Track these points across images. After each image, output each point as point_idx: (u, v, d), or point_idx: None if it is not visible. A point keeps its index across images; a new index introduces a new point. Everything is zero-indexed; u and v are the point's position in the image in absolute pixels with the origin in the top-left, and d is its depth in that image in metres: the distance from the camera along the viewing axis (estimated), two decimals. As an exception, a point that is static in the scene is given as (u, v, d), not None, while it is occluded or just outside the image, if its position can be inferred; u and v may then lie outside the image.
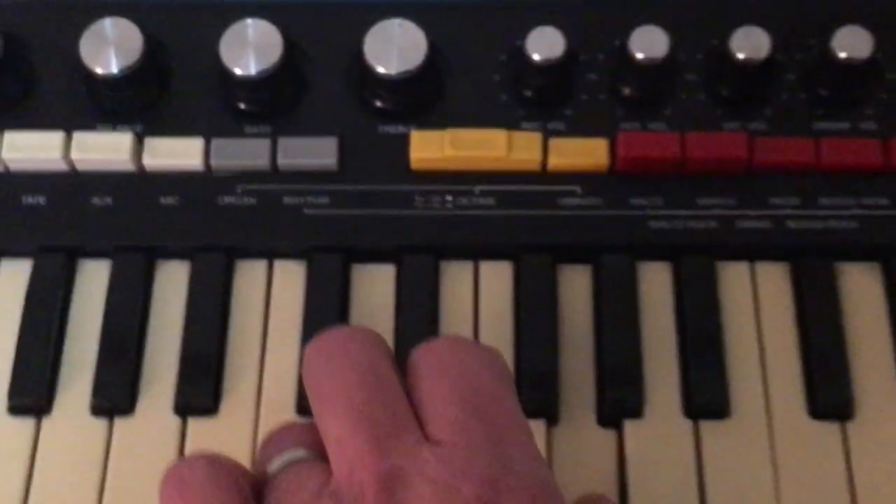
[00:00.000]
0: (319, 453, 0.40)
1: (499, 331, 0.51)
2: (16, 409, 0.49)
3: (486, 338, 0.51)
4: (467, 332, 0.51)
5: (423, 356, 0.41)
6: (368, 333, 0.42)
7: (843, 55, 0.52)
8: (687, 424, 0.49)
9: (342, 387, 0.39)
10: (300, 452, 0.40)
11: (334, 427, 0.39)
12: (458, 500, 0.36)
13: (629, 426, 0.49)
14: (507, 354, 0.50)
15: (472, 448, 0.38)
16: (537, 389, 0.49)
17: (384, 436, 0.38)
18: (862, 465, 0.48)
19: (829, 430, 0.48)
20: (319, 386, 0.40)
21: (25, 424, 0.49)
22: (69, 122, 0.53)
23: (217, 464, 0.40)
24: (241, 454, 0.48)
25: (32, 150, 0.53)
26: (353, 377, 0.40)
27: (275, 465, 0.40)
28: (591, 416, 0.49)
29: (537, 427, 0.48)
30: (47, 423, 0.49)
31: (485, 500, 0.36)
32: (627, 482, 0.48)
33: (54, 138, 0.53)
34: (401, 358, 0.42)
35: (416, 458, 0.37)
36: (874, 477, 0.48)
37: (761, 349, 0.50)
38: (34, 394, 0.49)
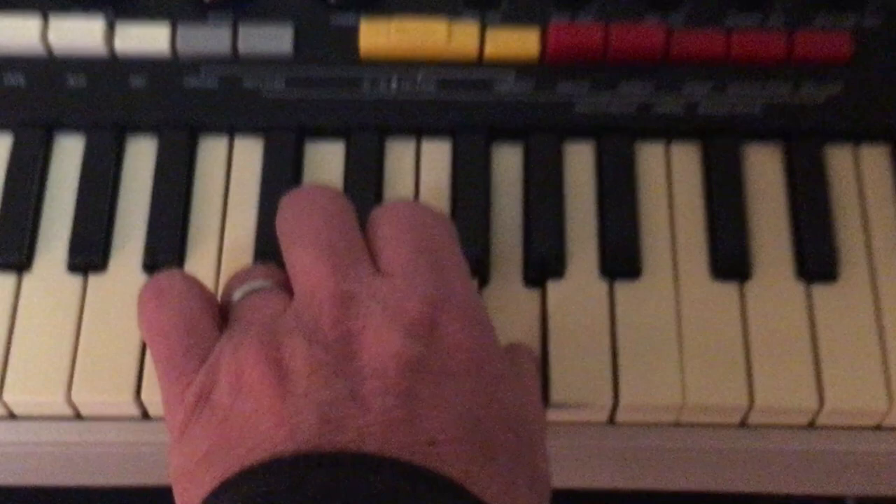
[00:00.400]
0: (281, 285, 0.46)
1: (437, 201, 0.56)
2: (-1, 265, 0.55)
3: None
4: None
5: (382, 212, 0.47)
6: (335, 190, 0.48)
7: (752, -47, 0.57)
8: (603, 283, 0.54)
9: (310, 227, 0.45)
10: (262, 282, 0.46)
11: (300, 257, 0.45)
12: (402, 315, 0.42)
13: (551, 285, 0.54)
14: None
15: (417, 277, 0.44)
16: (469, 253, 0.54)
17: (343, 266, 0.44)
18: (756, 321, 0.54)
19: (728, 290, 0.54)
20: (290, 229, 0.46)
21: (8, 280, 0.54)
22: (46, 8, 0.58)
23: (191, 279, 0.46)
24: (203, 306, 0.53)
25: (12, 33, 0.57)
26: (320, 220, 0.46)
27: (238, 293, 0.46)
28: (518, 277, 0.55)
29: (469, 285, 0.54)
30: (28, 278, 0.54)
31: (426, 316, 0.42)
32: (548, 336, 0.54)
33: (32, 23, 0.57)
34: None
35: (369, 284, 0.43)
36: (766, 331, 0.53)
37: (671, 218, 0.56)
38: (16, 252, 0.54)
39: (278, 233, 0.48)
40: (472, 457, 0.41)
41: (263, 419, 0.40)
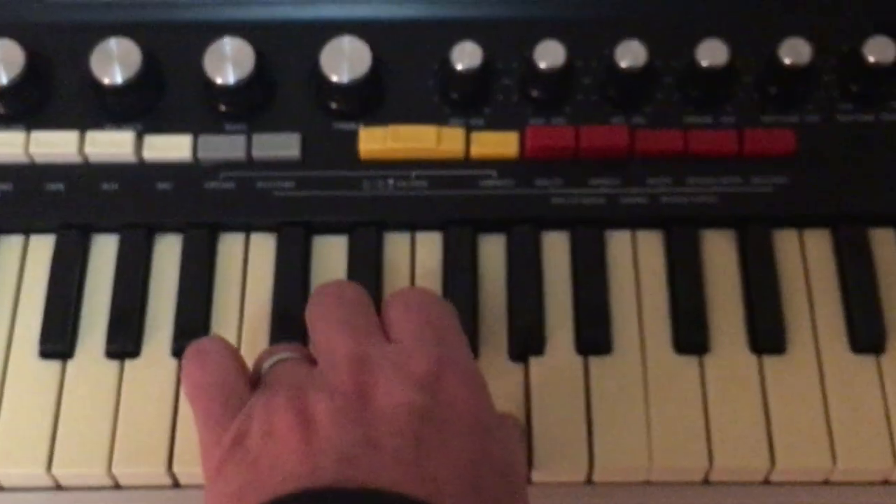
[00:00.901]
0: (305, 357, 0.54)
1: (431, 287, 0.63)
2: (45, 353, 0.62)
3: (420, 293, 0.63)
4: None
5: (394, 296, 0.55)
6: (354, 283, 0.57)
7: (705, 63, 0.64)
8: (578, 358, 0.61)
9: (333, 310, 0.54)
10: (289, 353, 0.54)
11: (324, 332, 0.53)
12: (410, 371, 0.50)
13: (533, 361, 0.61)
14: (437, 306, 0.63)
15: (423, 342, 0.52)
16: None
17: (360, 335, 0.52)
18: (713, 390, 0.61)
19: (689, 362, 0.61)
20: (317, 313, 0.54)
21: (53, 367, 0.62)
22: (83, 123, 0.65)
23: (229, 345, 0.55)
24: (226, 386, 0.60)
25: (54, 146, 0.65)
26: (341, 304, 0.54)
27: (268, 363, 0.54)
28: (503, 352, 0.62)
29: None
30: (70, 365, 0.62)
31: (431, 373, 0.50)
32: (531, 405, 0.61)
33: (71, 136, 0.65)
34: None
35: (381, 348, 0.52)
36: (723, 399, 0.60)
37: (639, 299, 0.63)
38: (60, 341, 0.62)
39: (307, 320, 0.55)
40: (468, 494, 0.48)
41: (290, 458, 0.47)
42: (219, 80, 0.64)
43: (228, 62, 0.64)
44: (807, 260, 0.64)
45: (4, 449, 0.59)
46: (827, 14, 0.67)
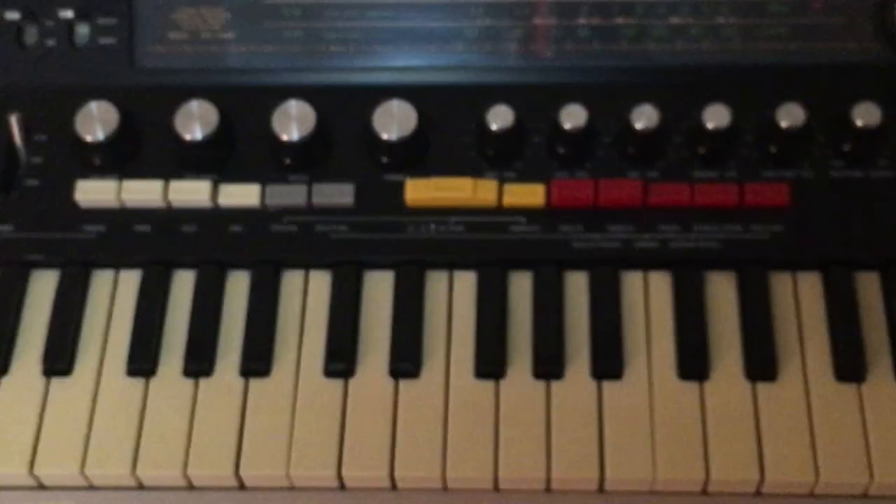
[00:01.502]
0: None
1: (466, 320, 0.72)
2: (132, 371, 0.72)
3: (457, 326, 0.72)
4: (443, 322, 0.72)
5: None
6: None
7: (710, 125, 0.73)
8: (593, 382, 0.70)
9: None
10: None
11: None
12: None
13: (554, 384, 0.70)
14: (471, 337, 0.71)
15: None
16: (491, 348, 0.71)
17: None
18: (712, 412, 0.69)
19: (691, 387, 0.69)
20: None
21: (138, 384, 0.71)
22: (167, 173, 0.75)
23: None
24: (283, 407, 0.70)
25: (141, 193, 0.75)
26: None
27: None
28: (529, 371, 0.71)
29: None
30: (153, 382, 0.71)
31: None
32: (550, 423, 0.69)
33: (156, 185, 0.75)
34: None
35: None
36: (720, 420, 0.68)
37: (648, 334, 0.71)
38: (144, 361, 0.71)
39: None
40: None
41: None
42: (284, 137, 0.74)
43: (293, 121, 0.74)
44: (799, 299, 0.72)
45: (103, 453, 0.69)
46: (820, 80, 0.75)
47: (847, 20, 0.76)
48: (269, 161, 0.76)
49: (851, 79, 0.76)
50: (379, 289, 0.74)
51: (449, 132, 0.76)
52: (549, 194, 0.74)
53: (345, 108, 0.77)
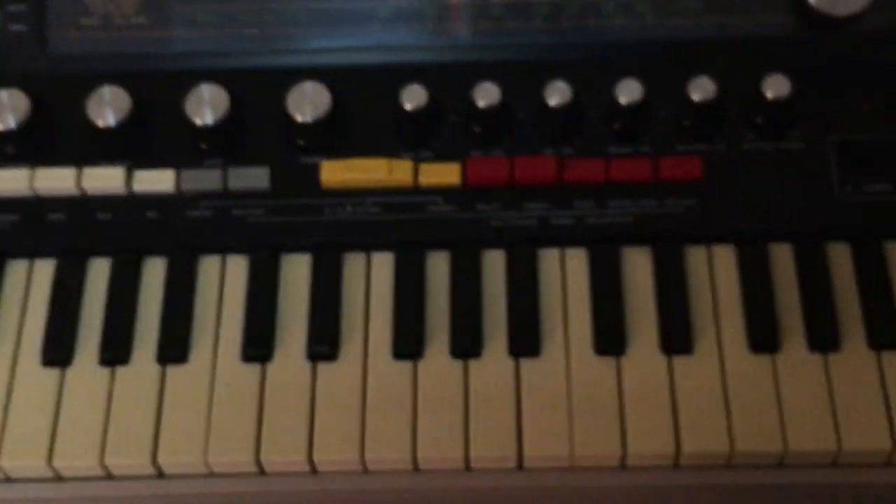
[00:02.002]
0: None
1: (384, 302, 0.72)
2: (47, 361, 0.71)
3: (374, 307, 0.72)
4: (361, 304, 0.72)
5: None
6: None
7: (623, 100, 0.73)
8: (510, 360, 0.70)
9: None
10: None
11: None
12: None
13: (472, 363, 0.70)
14: (389, 318, 0.71)
15: None
16: (408, 330, 0.71)
17: None
18: (628, 386, 0.69)
19: (607, 362, 0.70)
20: None
21: (53, 374, 0.71)
22: (80, 160, 0.75)
23: None
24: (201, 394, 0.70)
25: (54, 180, 0.74)
26: None
27: None
28: (447, 352, 0.71)
29: (406, 365, 0.70)
30: (70, 372, 0.71)
31: None
32: (469, 396, 0.69)
33: (69, 172, 0.74)
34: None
35: None
36: (636, 393, 0.69)
37: (564, 309, 0.72)
38: (60, 350, 0.71)
39: None
40: None
41: None
42: (198, 121, 0.73)
43: (206, 105, 0.74)
44: (714, 272, 0.73)
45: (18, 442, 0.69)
46: (732, 54, 0.76)
47: (759, -7, 0.77)
48: (184, 146, 0.75)
49: (763, 52, 0.76)
50: (296, 272, 0.74)
51: (364, 113, 0.76)
52: (464, 173, 0.74)
53: (259, 90, 0.76)
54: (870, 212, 0.72)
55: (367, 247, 0.74)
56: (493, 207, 0.73)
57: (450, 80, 0.75)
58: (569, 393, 0.69)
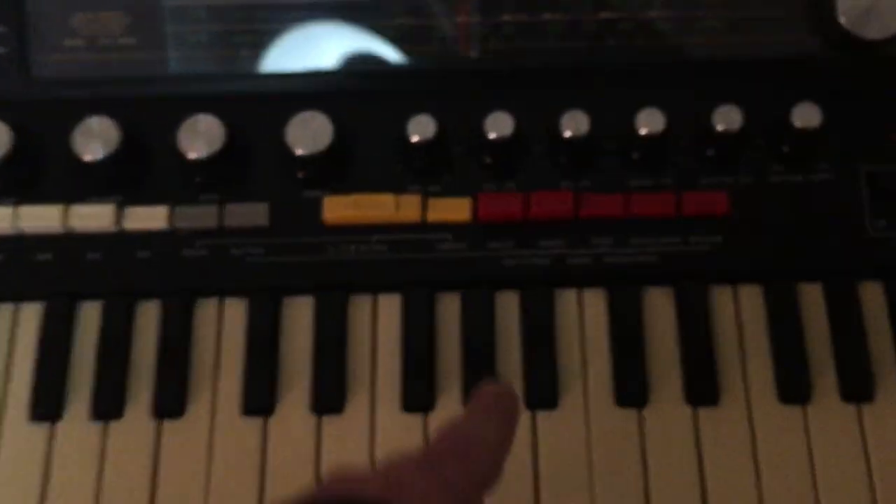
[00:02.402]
0: None
1: (391, 346, 0.68)
2: (35, 416, 0.67)
3: (382, 351, 0.68)
4: (367, 348, 0.68)
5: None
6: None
7: (643, 131, 0.69)
8: (527, 413, 0.66)
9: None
10: None
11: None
12: None
13: (485, 415, 0.66)
14: (397, 364, 0.68)
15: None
16: (418, 379, 0.67)
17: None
18: (651, 439, 0.66)
19: (628, 416, 0.66)
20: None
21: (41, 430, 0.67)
22: (67, 197, 0.70)
23: None
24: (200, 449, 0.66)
25: (40, 219, 0.70)
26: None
27: None
28: (459, 398, 0.67)
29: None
30: (59, 426, 0.67)
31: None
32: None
33: (55, 210, 0.70)
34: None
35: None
36: (660, 448, 0.65)
37: (583, 356, 0.68)
38: (50, 404, 0.67)
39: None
40: None
41: None
42: (192, 155, 0.69)
43: (201, 137, 0.69)
44: (740, 314, 0.69)
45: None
46: (756, 82, 0.71)
47: (784, 13, 0.72)
48: (178, 180, 0.71)
49: (791, 76, 0.72)
50: (299, 315, 0.69)
51: (368, 144, 0.71)
52: (475, 208, 0.70)
53: (257, 119, 0.72)
54: (904, 249, 0.68)
55: (374, 288, 0.70)
56: (506, 245, 0.69)
57: (457, 109, 0.71)
58: (588, 447, 0.65)
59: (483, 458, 0.52)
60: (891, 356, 0.67)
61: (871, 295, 0.69)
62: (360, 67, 0.73)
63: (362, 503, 0.47)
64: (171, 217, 0.70)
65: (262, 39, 0.73)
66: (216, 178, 0.71)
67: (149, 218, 0.70)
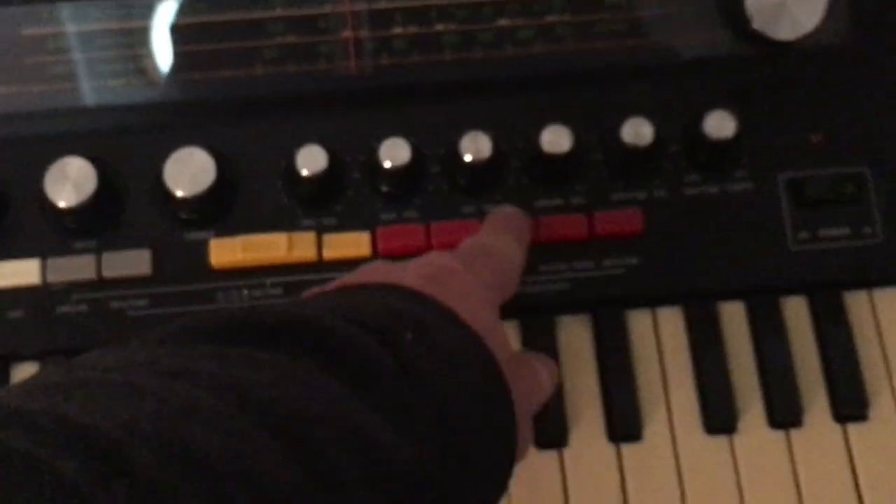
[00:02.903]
0: None
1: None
2: None
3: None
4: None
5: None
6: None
7: (549, 148, 0.64)
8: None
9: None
10: None
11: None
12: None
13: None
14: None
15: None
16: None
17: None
18: (573, 480, 0.62)
19: (549, 456, 0.63)
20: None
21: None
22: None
23: None
24: None
25: None
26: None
27: None
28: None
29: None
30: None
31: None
32: None
33: (-89, 270, 0.64)
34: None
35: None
36: (583, 490, 0.62)
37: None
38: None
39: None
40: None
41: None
42: (62, 204, 0.63)
43: (69, 182, 0.63)
44: (660, 337, 0.65)
45: None
46: (666, 87, 0.67)
47: (693, 15, 0.68)
48: (48, 229, 0.65)
49: (703, 80, 0.67)
50: (190, 371, 0.64)
51: (256, 178, 0.66)
52: (374, 243, 0.65)
53: (132, 157, 0.66)
54: (827, 261, 0.65)
55: (270, 334, 0.65)
56: (410, 279, 0.65)
57: (350, 136, 0.66)
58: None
59: (504, 266, 0.57)
60: (818, 376, 0.64)
61: (795, 311, 0.66)
62: (234, 93, 0.67)
63: (407, 290, 0.50)
64: (43, 270, 0.64)
65: (129, 67, 0.67)
66: (91, 225, 0.65)
67: (18, 273, 0.64)
